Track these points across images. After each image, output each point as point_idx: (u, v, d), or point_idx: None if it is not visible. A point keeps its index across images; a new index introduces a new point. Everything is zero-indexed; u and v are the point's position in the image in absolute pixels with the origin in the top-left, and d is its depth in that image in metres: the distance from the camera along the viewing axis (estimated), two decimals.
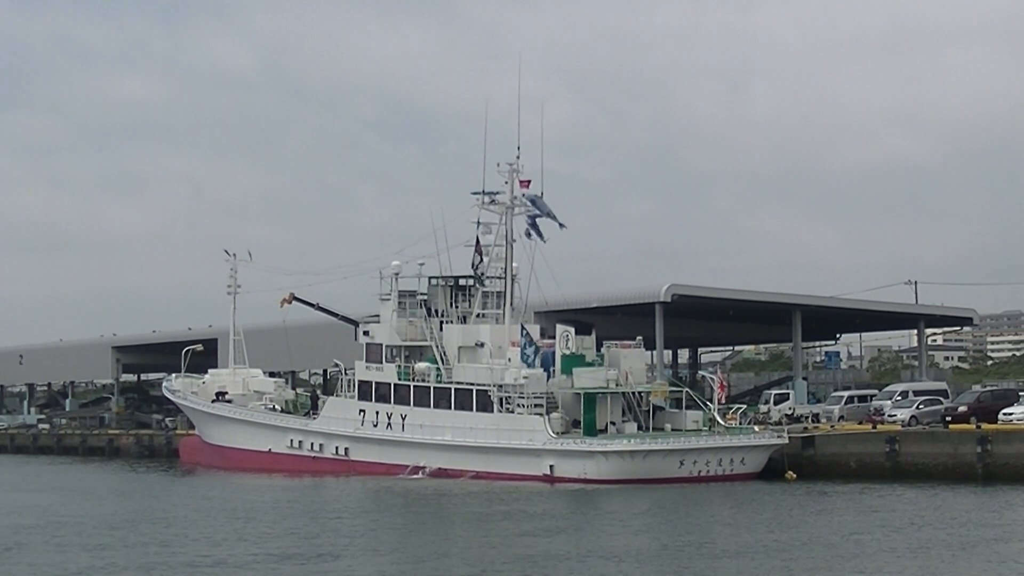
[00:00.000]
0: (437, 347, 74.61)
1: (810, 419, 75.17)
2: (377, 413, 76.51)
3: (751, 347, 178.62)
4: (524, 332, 70.59)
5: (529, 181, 74.85)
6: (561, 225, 74.17)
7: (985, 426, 61.76)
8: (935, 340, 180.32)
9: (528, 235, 73.87)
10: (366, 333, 78.61)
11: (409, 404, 74.56)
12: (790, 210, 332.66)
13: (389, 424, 75.70)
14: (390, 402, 75.86)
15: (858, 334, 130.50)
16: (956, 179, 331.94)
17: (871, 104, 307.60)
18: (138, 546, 42.99)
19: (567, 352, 70.45)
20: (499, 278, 76.13)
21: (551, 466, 66.42)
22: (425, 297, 77.70)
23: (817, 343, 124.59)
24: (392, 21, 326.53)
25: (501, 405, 69.73)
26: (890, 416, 69.59)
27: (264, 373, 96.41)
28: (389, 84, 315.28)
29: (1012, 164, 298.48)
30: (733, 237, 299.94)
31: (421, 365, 74.70)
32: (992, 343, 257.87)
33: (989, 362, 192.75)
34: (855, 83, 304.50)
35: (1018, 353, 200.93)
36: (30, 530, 48.76)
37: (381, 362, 76.89)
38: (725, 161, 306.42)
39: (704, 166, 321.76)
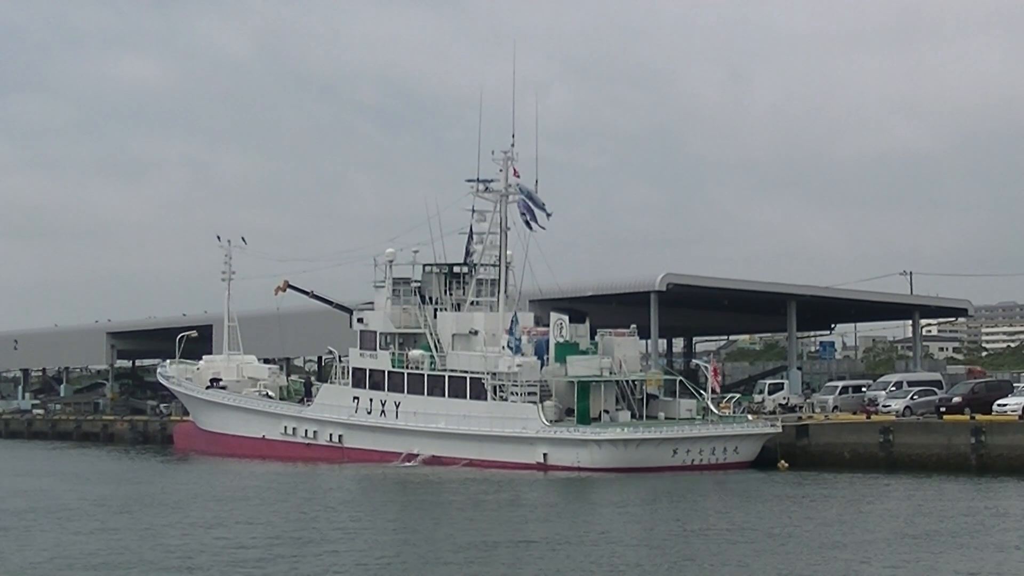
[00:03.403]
0: (431, 334, 74.56)
1: (809, 408, 75.23)
2: (371, 400, 76.47)
3: (746, 336, 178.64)
4: (514, 320, 70.50)
5: (517, 173, 74.57)
6: (548, 215, 73.82)
7: (979, 417, 61.77)
8: (930, 331, 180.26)
9: (527, 224, 73.66)
10: (360, 320, 78.56)
11: (403, 391, 74.51)
12: (788, 199, 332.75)
13: (383, 411, 75.66)
14: (384, 389, 75.81)
15: (853, 324, 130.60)
16: (956, 169, 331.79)
17: (874, 93, 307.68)
18: (145, 530, 43.40)
19: (561, 340, 70.37)
20: (493, 266, 76.04)
21: (544, 454, 66.38)
22: (419, 284, 77.61)
23: (812, 333, 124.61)
24: (391, 5, 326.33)
25: (495, 393, 69.67)
26: (884, 406, 69.65)
27: (258, 360, 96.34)
28: (387, 70, 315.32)
29: (1014, 154, 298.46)
30: (731, 226, 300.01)
31: (415, 352, 74.63)
32: (987, 334, 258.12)
33: (984, 353, 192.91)
34: (858, 71, 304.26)
35: (1013, 344, 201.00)
36: (37, 513, 49.11)
37: (375, 349, 76.85)
38: (725, 149, 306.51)
39: (704, 154, 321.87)
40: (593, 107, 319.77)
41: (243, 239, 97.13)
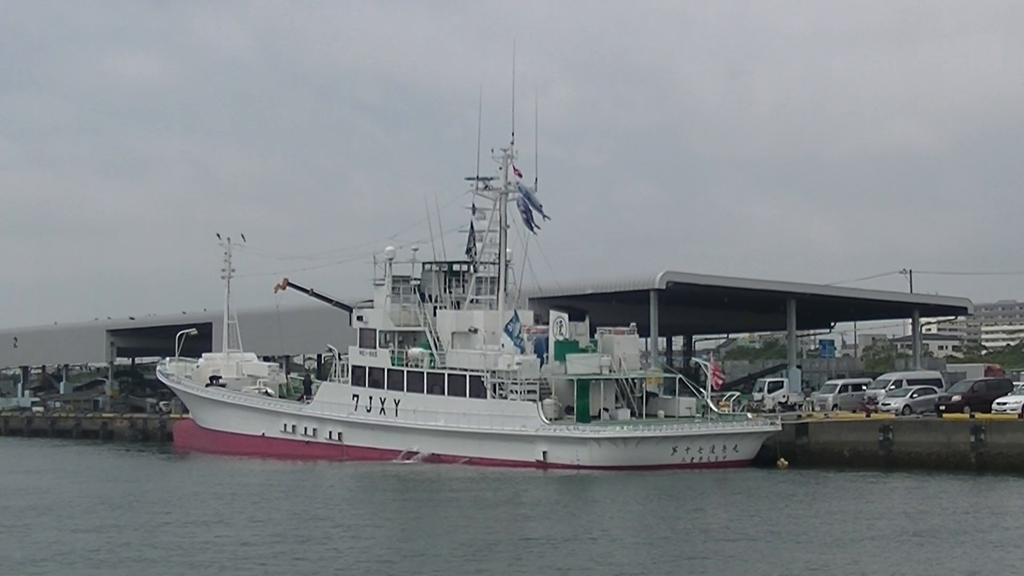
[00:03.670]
0: (431, 332, 74.57)
1: (808, 407, 75.27)
2: (371, 398, 76.49)
3: (745, 335, 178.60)
4: (515, 317, 70.50)
5: (519, 173, 74.61)
6: (545, 217, 73.87)
7: (979, 415, 61.78)
8: (930, 329, 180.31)
9: (527, 225, 73.65)
10: (360, 318, 78.58)
11: (402, 389, 74.51)
12: (788, 197, 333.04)
13: (382, 409, 75.66)
14: (383, 387, 75.80)
15: (853, 323, 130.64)
16: (955, 167, 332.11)
17: (874, 91, 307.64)
18: (146, 527, 43.49)
19: (560, 338, 70.36)
20: (493, 264, 76.03)
21: (544, 452, 66.39)
22: (419, 282, 77.61)
23: (812, 331, 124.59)
24: (391, 3, 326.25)
25: (494, 391, 69.67)
26: (884, 405, 69.66)
27: (258, 357, 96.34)
28: (387, 68, 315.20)
29: (1014, 153, 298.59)
30: (730, 224, 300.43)
31: (414, 350, 74.64)
32: (987, 332, 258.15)
33: (983, 351, 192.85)
34: (858, 69, 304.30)
35: (1012, 343, 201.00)
36: (38, 511, 49.18)
37: (375, 347, 76.87)
38: (725, 147, 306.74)
39: (704, 152, 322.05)
40: (593, 105, 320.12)
41: (243, 237, 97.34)
